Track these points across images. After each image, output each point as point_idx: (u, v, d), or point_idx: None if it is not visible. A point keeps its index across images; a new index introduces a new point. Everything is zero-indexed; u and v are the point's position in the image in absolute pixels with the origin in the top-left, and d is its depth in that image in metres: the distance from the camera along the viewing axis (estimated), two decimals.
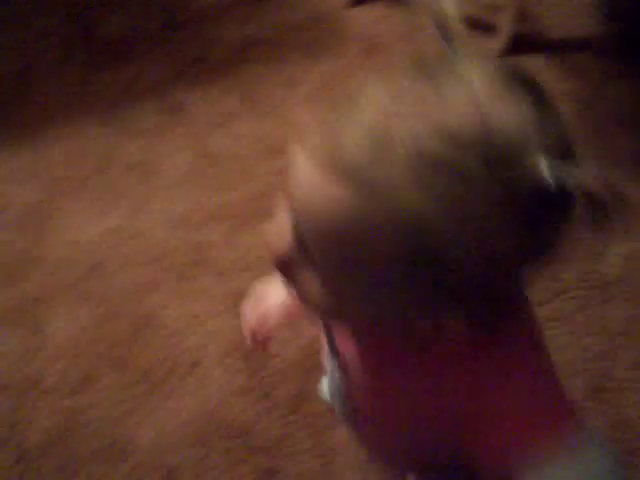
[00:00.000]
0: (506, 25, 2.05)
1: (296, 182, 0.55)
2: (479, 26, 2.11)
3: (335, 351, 0.83)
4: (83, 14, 2.38)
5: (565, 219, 0.52)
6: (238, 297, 1.59)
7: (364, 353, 0.76)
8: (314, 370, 1.44)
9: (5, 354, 1.61)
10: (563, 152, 0.50)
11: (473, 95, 0.50)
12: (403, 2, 2.18)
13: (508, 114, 0.49)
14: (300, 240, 0.58)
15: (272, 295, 0.98)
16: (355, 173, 0.50)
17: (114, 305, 1.67)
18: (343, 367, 0.83)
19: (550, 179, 0.47)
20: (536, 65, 2.04)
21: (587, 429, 0.60)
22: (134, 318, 1.64)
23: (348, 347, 0.78)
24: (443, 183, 0.48)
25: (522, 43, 2.08)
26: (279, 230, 0.60)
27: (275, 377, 1.51)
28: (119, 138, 1.99)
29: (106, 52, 2.20)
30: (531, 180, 0.47)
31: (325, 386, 1.19)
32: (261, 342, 1.00)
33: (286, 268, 0.62)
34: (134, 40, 2.22)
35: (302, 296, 0.64)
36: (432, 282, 0.53)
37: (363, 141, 0.50)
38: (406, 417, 0.76)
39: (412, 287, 0.54)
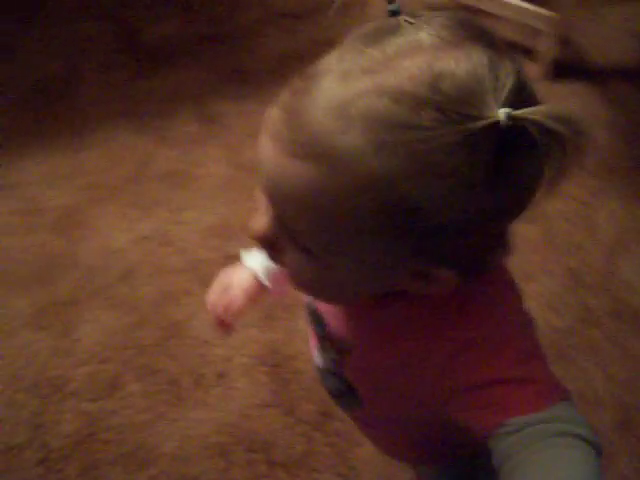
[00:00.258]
0: (547, 50, 2.05)
1: (264, 165, 0.56)
2: (519, 50, 2.11)
3: (325, 333, 0.83)
4: (128, 21, 2.41)
5: (530, 160, 0.51)
6: (267, 311, 1.61)
7: (355, 324, 0.76)
8: None
9: (35, 354, 1.62)
10: (518, 93, 0.50)
11: (419, 49, 0.50)
12: None
13: (457, 61, 0.49)
14: (279, 220, 0.58)
15: (236, 280, 0.99)
16: (314, 146, 0.51)
17: (143, 312, 1.67)
18: (336, 347, 0.83)
19: (506, 120, 0.47)
20: (576, 92, 2.04)
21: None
22: (162, 327, 1.64)
23: (338, 324, 0.78)
24: (399, 140, 0.48)
25: (563, 69, 2.07)
26: (259, 214, 0.61)
27: (300, 393, 1.50)
28: (156, 146, 2.00)
29: (148, 60, 2.22)
30: (487, 123, 0.47)
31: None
32: (226, 326, 1.00)
33: (271, 249, 0.63)
34: (176, 49, 2.25)
35: (292, 275, 0.65)
36: (415, 237, 0.53)
37: (317, 113, 0.50)
38: (401, 389, 0.76)
39: (397, 245, 0.54)
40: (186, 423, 1.50)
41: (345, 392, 0.90)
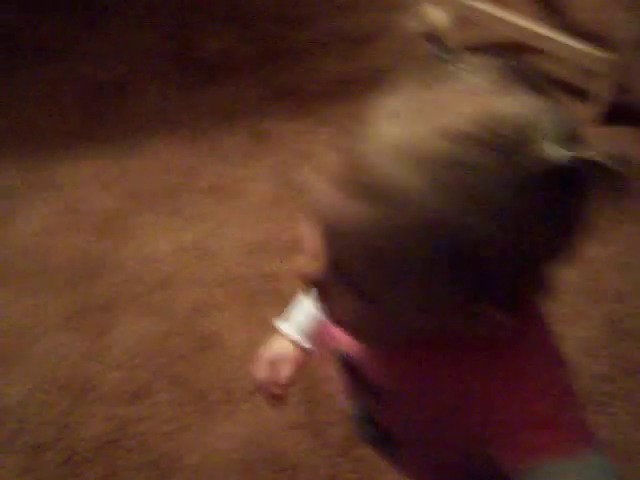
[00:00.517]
0: (601, 93, 2.04)
1: (320, 206, 0.56)
2: (573, 91, 2.10)
3: (363, 380, 0.83)
4: (188, 34, 2.44)
5: (584, 197, 0.52)
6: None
7: (394, 368, 0.75)
8: None
9: (67, 355, 1.63)
10: (569, 133, 0.50)
11: (473, 93, 0.51)
12: None
13: (509, 103, 0.50)
14: (332, 261, 0.58)
15: (279, 353, 0.99)
16: (373, 187, 0.51)
17: (178, 322, 1.67)
18: (372, 392, 0.82)
19: (560, 158, 0.47)
20: (628, 139, 2.02)
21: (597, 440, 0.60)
22: (196, 338, 1.64)
23: (375, 369, 0.78)
24: (459, 181, 0.48)
25: (615, 113, 2.06)
26: (309, 256, 0.61)
27: (330, 416, 1.48)
28: (204, 158, 2.02)
29: (204, 72, 2.25)
30: (541, 162, 0.48)
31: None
32: (280, 398, 1.00)
33: (321, 291, 0.63)
34: (232, 64, 2.27)
35: (340, 317, 0.65)
36: (470, 277, 0.53)
37: (376, 155, 0.51)
38: (439, 429, 0.76)
39: (452, 285, 0.54)
40: (212, 437, 1.49)
41: (380, 439, 0.90)
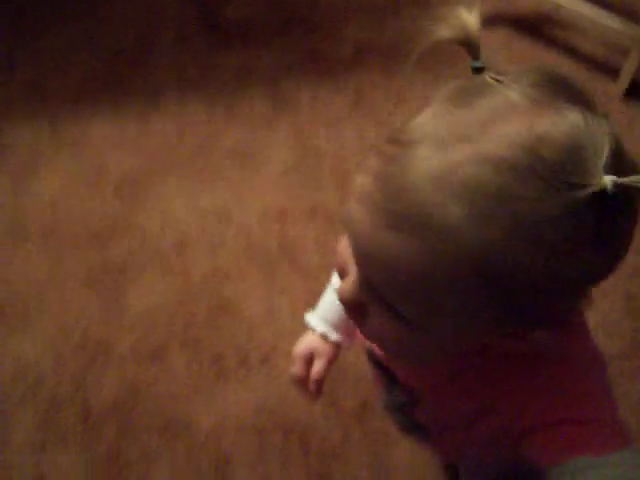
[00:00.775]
0: (629, 68, 1.99)
1: (355, 233, 0.55)
2: (603, 68, 2.07)
3: (392, 377, 0.83)
4: None
5: (629, 222, 0.51)
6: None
7: (428, 374, 0.75)
8: None
9: (85, 315, 1.64)
10: (617, 155, 0.48)
11: (512, 111, 0.48)
12: None
13: (554, 124, 0.47)
14: (367, 284, 0.57)
15: (313, 349, 0.99)
16: (412, 218, 0.49)
17: (195, 286, 1.68)
18: (406, 394, 0.83)
19: (613, 187, 0.45)
20: None
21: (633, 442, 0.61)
22: (213, 302, 1.65)
23: (409, 374, 0.78)
24: (502, 212, 0.46)
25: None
26: (348, 280, 0.60)
27: (345, 385, 1.50)
28: (225, 122, 2.00)
29: (226, 35, 2.22)
30: (588, 189, 0.46)
31: None
32: (316, 394, 1.01)
33: (357, 313, 0.62)
34: (253, 29, 2.23)
35: (376, 338, 0.64)
36: (512, 304, 0.52)
37: (415, 184, 0.48)
38: (471, 430, 0.76)
39: (493, 312, 0.53)
40: (225, 401, 1.51)
41: (413, 429, 0.90)
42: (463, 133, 0.48)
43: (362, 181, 0.54)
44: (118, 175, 1.91)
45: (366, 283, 0.57)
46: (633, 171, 0.47)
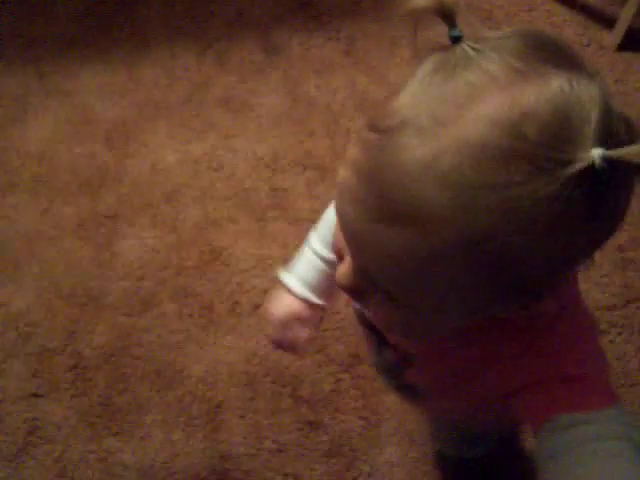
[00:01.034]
0: (625, 18, 1.95)
1: (345, 226, 0.54)
2: (599, 18, 2.03)
3: (385, 342, 0.82)
4: None
5: (624, 191, 0.49)
6: None
7: (427, 350, 0.75)
8: None
9: (74, 265, 1.63)
10: (607, 122, 0.45)
11: (492, 85, 0.46)
12: None
13: (537, 96, 0.45)
14: (363, 271, 0.56)
15: (291, 313, 0.94)
16: (400, 210, 0.47)
17: (185, 234, 1.67)
18: (398, 356, 0.82)
19: (601, 161, 0.43)
20: None
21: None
22: (203, 251, 1.64)
23: (405, 340, 0.77)
24: (489, 199, 0.45)
25: (639, 40, 1.98)
26: (344, 265, 0.60)
27: (334, 333, 1.49)
28: (215, 70, 1.97)
29: None
30: (582, 167, 0.43)
31: None
32: (299, 353, 1.00)
33: (356, 296, 0.61)
34: None
35: (378, 318, 0.65)
36: (511, 284, 0.51)
37: (399, 176, 0.47)
38: (464, 388, 0.76)
39: (491, 292, 0.52)
40: (216, 348, 1.51)
41: (403, 388, 0.89)
42: (442, 116, 0.46)
43: (345, 174, 0.52)
44: (107, 123, 1.88)
45: (360, 270, 0.57)
46: (627, 139, 0.45)
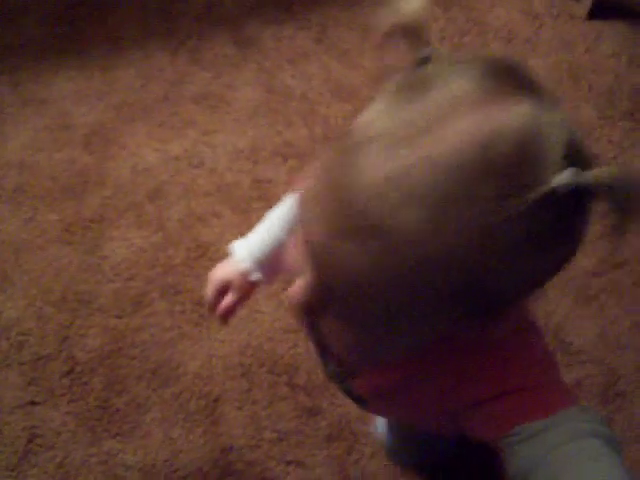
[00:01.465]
0: None
1: (309, 240, 0.53)
2: None
3: (330, 353, 0.82)
4: None
5: (588, 213, 0.49)
6: None
7: (380, 373, 0.75)
8: None
9: (62, 270, 1.63)
10: (571, 146, 0.46)
11: (461, 106, 0.46)
12: None
13: (504, 118, 0.45)
14: (322, 288, 0.55)
15: (229, 280, 0.99)
16: (365, 227, 0.47)
17: (171, 233, 1.67)
18: (343, 369, 0.83)
19: (567, 184, 0.43)
20: (619, 32, 1.96)
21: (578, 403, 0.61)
22: (190, 247, 1.64)
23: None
24: (454, 218, 0.45)
25: (607, 8, 1.98)
26: (301, 281, 0.58)
27: None
28: (189, 67, 1.96)
29: None
30: (548, 190, 0.44)
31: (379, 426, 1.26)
32: (223, 321, 1.02)
33: (310, 315, 0.61)
34: None
35: (331, 339, 0.64)
36: (474, 304, 0.51)
37: (366, 191, 0.47)
38: (409, 405, 0.77)
39: (454, 313, 0.52)
40: (210, 343, 1.51)
41: (351, 396, 0.90)
42: (411, 134, 0.46)
43: (310, 189, 0.52)
44: (86, 128, 1.87)
45: (319, 286, 0.55)
46: (588, 164, 0.45)
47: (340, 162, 0.50)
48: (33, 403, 1.48)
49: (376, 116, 0.50)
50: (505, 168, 0.44)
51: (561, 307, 1.49)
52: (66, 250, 1.66)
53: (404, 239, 0.46)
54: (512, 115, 0.45)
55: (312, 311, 0.59)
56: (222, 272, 1.00)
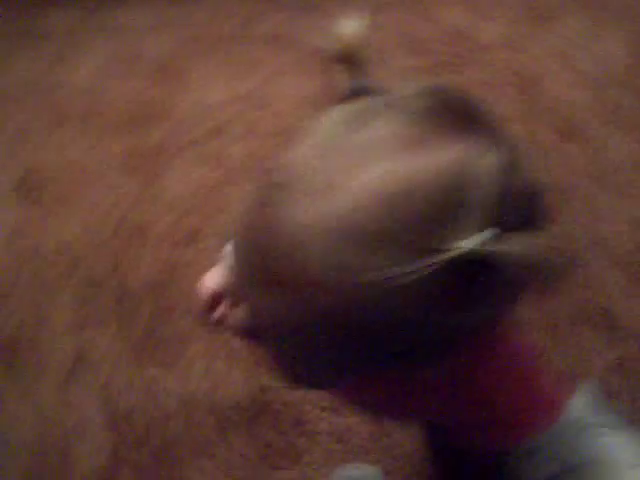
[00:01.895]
0: None
1: (235, 284, 0.53)
2: None
3: None
4: None
5: (503, 290, 0.45)
6: None
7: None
8: None
9: (120, 198, 1.65)
10: (500, 209, 0.41)
11: (378, 151, 0.43)
12: None
13: (418, 171, 0.41)
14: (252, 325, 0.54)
15: (215, 286, 0.93)
16: (277, 278, 0.45)
17: (230, 171, 1.67)
18: None
19: (471, 254, 0.40)
20: None
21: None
22: (247, 186, 1.64)
23: None
24: (352, 281, 0.42)
25: None
26: (242, 312, 0.56)
27: None
28: (264, 6, 1.95)
29: None
30: (450, 257, 0.40)
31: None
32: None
33: (251, 340, 0.60)
34: None
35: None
36: (383, 358, 0.49)
37: (279, 241, 0.45)
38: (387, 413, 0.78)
39: (355, 356, 0.50)
40: None
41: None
42: (326, 182, 0.43)
43: (237, 226, 0.50)
44: (155, 60, 1.88)
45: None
46: (520, 222, 0.42)
47: (262, 204, 0.48)
48: (83, 326, 1.51)
49: (303, 153, 0.47)
50: (402, 234, 0.41)
51: (614, 286, 1.44)
52: (126, 179, 1.68)
53: (310, 292, 0.44)
54: (427, 164, 0.42)
55: (251, 337, 0.59)
56: (212, 282, 0.94)
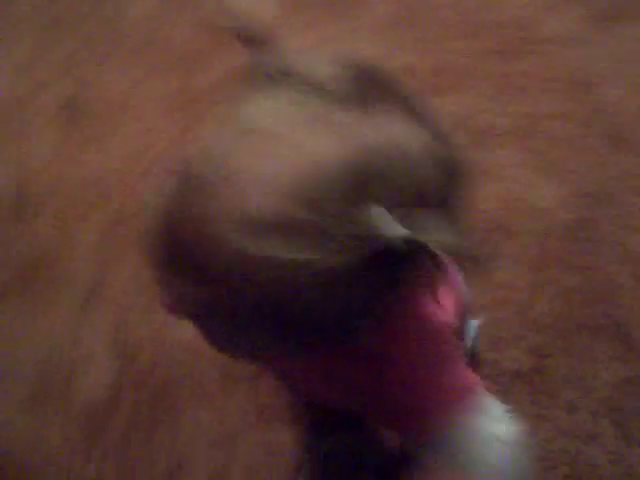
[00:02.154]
0: None
1: None
2: None
3: None
4: None
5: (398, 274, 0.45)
6: None
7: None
8: None
9: (157, 140, 1.65)
10: (408, 194, 0.42)
11: (294, 126, 0.43)
12: None
13: (333, 151, 0.41)
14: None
15: None
16: (188, 263, 0.47)
17: None
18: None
19: (373, 236, 0.40)
20: None
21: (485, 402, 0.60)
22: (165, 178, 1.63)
23: None
24: (263, 274, 0.43)
25: None
26: None
27: None
28: None
29: None
30: (362, 239, 0.41)
31: None
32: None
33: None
34: None
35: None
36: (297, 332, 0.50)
37: (182, 232, 0.46)
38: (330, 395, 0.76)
39: (271, 334, 0.51)
40: None
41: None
42: (242, 165, 0.43)
43: (156, 217, 0.51)
44: (213, 11, 1.86)
45: None
46: (396, 194, 0.42)
47: (177, 194, 0.48)
48: (102, 262, 1.52)
49: (216, 142, 0.47)
50: (317, 215, 0.41)
51: (634, 301, 1.41)
52: (165, 122, 1.67)
53: (225, 282, 0.45)
54: (341, 144, 0.41)
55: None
56: None
